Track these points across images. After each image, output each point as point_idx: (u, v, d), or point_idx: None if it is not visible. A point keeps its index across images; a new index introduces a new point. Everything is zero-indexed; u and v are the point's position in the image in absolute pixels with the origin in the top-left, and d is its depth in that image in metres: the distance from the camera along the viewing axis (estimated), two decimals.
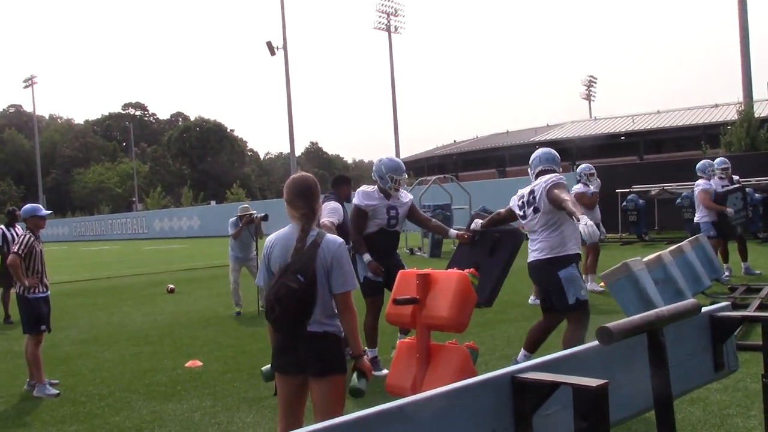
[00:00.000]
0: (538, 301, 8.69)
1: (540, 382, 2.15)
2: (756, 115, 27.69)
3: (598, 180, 10.56)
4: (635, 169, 24.52)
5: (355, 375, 3.46)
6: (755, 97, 28.80)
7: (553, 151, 5.70)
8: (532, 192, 5.38)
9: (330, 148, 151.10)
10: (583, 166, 10.72)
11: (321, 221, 6.70)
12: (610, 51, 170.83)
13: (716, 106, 48.21)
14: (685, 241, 8.57)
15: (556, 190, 5.18)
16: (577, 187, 10.36)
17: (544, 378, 2.16)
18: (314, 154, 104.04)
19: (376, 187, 6.28)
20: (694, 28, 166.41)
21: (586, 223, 4.75)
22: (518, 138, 56.49)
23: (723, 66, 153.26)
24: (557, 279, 5.16)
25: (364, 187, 6.33)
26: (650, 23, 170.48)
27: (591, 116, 66.17)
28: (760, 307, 7.67)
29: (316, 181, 3.65)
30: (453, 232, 6.19)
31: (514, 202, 5.58)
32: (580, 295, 5.12)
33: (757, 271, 10.33)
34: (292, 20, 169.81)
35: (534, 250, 5.35)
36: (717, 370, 3.11)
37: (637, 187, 19.74)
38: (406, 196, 6.42)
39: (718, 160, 10.78)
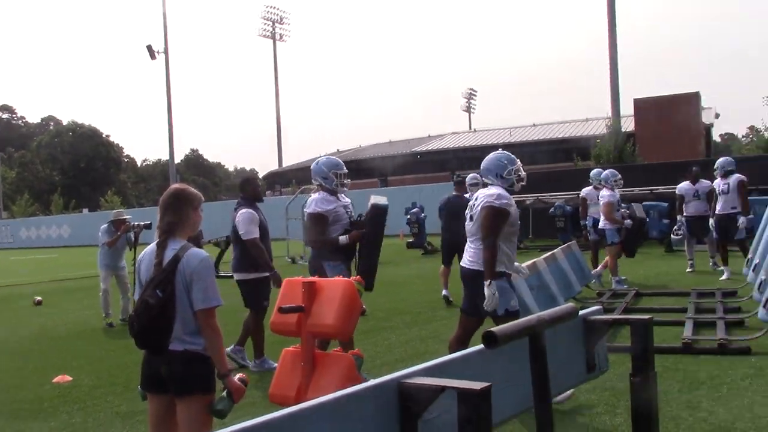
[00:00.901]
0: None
1: (426, 386, 2.18)
2: (623, 129, 29.40)
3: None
4: None
5: (224, 393, 3.35)
6: (622, 112, 30.54)
7: (496, 156, 5.32)
8: (477, 198, 5.26)
9: (211, 156, 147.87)
10: (470, 176, 10.95)
11: (247, 239, 6.58)
12: (489, 65, 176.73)
13: (587, 120, 50.74)
14: (558, 249, 8.96)
15: (483, 214, 5.07)
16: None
17: (430, 383, 2.19)
18: (194, 161, 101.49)
19: (320, 191, 6.10)
20: (566, 45, 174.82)
21: (494, 293, 4.89)
22: (400, 148, 57.36)
23: (593, 82, 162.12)
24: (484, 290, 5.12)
25: (314, 195, 6.12)
26: (527, 40, 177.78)
27: (471, 128, 68.13)
28: (626, 311, 8.11)
29: (174, 192, 3.52)
30: (343, 237, 6.10)
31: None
32: (510, 306, 5.04)
33: (624, 277, 10.89)
34: (174, 24, 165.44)
35: (467, 257, 5.22)
36: (589, 370, 3.25)
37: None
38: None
39: (596, 171, 11.41)
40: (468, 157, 47.88)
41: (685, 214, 11.86)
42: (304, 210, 6.24)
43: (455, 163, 45.53)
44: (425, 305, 9.93)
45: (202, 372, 3.34)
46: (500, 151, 5.47)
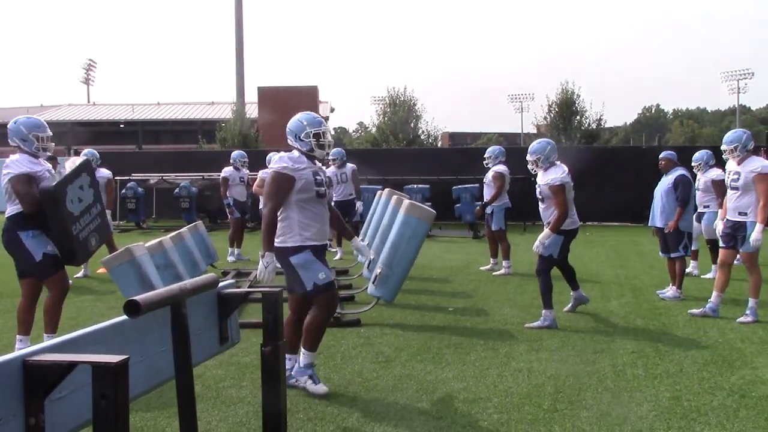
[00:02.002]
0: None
1: (55, 363, 2.02)
2: (248, 116, 30.30)
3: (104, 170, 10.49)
4: (134, 157, 24.56)
5: None
6: (247, 99, 31.41)
7: (298, 117, 4.99)
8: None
9: None
10: (88, 151, 10.43)
11: None
12: (111, 36, 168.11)
13: (213, 103, 51.15)
14: (185, 228, 8.95)
15: (267, 181, 4.83)
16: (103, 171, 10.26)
17: (60, 359, 2.03)
18: None
19: (20, 153, 5.48)
20: (195, 27, 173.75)
21: (266, 266, 4.69)
22: (7, 116, 51.83)
23: (220, 67, 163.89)
24: (290, 265, 4.73)
25: (13, 157, 5.43)
26: (149, 14, 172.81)
27: (90, 101, 64.16)
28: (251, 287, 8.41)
29: None
30: None
31: None
32: (318, 280, 4.69)
33: (247, 257, 11.36)
34: None
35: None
36: (222, 342, 3.31)
37: (136, 176, 19.76)
38: None
39: (238, 153, 12.19)
40: (87, 132, 45.03)
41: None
42: (2, 174, 5.52)
43: (72, 137, 42.46)
44: None
45: None
46: (308, 111, 5.11)
